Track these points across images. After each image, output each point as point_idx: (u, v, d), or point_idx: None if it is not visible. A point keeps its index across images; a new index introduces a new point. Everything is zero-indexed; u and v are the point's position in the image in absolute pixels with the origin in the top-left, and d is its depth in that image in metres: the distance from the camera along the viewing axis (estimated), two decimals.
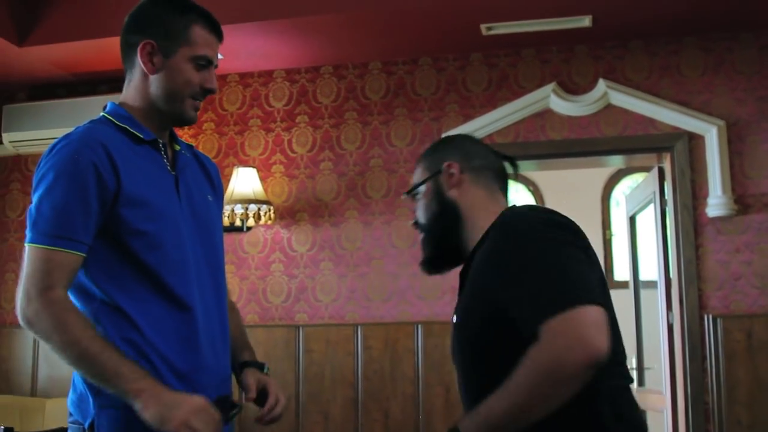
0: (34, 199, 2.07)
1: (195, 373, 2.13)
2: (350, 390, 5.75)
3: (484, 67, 5.86)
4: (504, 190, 2.39)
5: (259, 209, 5.82)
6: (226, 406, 2.15)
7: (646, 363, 6.14)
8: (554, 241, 1.98)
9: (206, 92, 2.24)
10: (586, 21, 5.33)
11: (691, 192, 5.46)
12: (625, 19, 5.38)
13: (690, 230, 5.42)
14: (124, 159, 2.10)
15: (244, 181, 5.80)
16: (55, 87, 6.48)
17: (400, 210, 5.84)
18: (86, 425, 2.09)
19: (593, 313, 1.79)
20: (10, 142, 6.34)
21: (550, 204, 8.65)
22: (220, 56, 5.90)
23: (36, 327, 2.00)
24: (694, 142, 5.50)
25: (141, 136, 2.18)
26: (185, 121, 2.26)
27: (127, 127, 2.18)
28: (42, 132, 6.23)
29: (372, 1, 5.28)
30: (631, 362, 6.23)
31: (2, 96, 6.56)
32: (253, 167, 5.94)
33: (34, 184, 2.10)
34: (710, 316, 5.33)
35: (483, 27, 5.45)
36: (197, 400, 1.98)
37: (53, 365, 6.28)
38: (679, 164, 5.47)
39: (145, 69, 2.20)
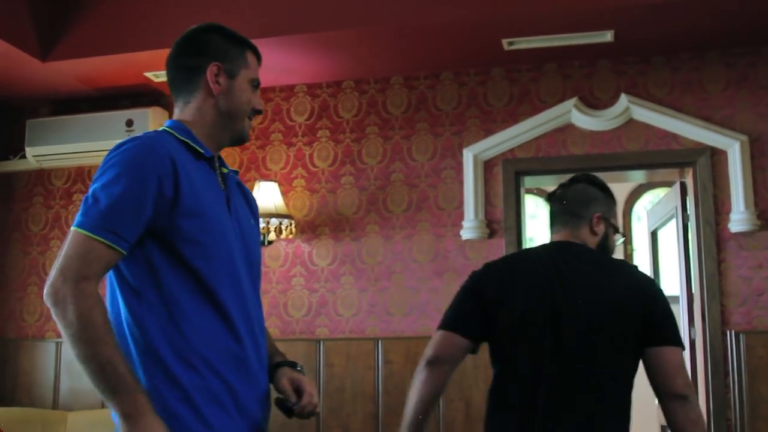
0: (92, 188, 2.11)
1: (242, 383, 2.20)
2: (371, 404, 5.74)
3: (506, 81, 5.87)
4: (557, 223, 3.08)
5: (280, 223, 5.83)
6: (285, 404, 2.30)
7: None
8: (460, 288, 3.02)
9: (256, 113, 2.39)
10: (608, 36, 5.33)
11: (714, 207, 5.44)
12: (648, 34, 5.38)
13: (712, 245, 5.40)
14: (185, 170, 2.17)
15: (265, 196, 5.82)
16: (78, 102, 6.53)
17: (420, 224, 5.84)
18: None
19: (437, 334, 2.96)
20: (33, 156, 6.39)
21: None
22: None
23: (59, 310, 2.02)
24: (717, 157, 5.48)
25: (201, 152, 2.27)
26: (242, 140, 2.40)
27: (188, 141, 2.26)
28: (65, 146, 6.28)
29: (393, 16, 5.30)
30: None
31: (25, 111, 6.62)
32: (275, 181, 5.96)
33: (96, 175, 2.14)
34: (733, 332, 5.30)
35: (504, 42, 5.45)
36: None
37: (75, 378, 6.31)
38: (701, 179, 5.45)
39: (213, 89, 2.31)
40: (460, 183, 5.81)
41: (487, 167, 5.78)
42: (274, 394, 2.37)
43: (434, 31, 5.38)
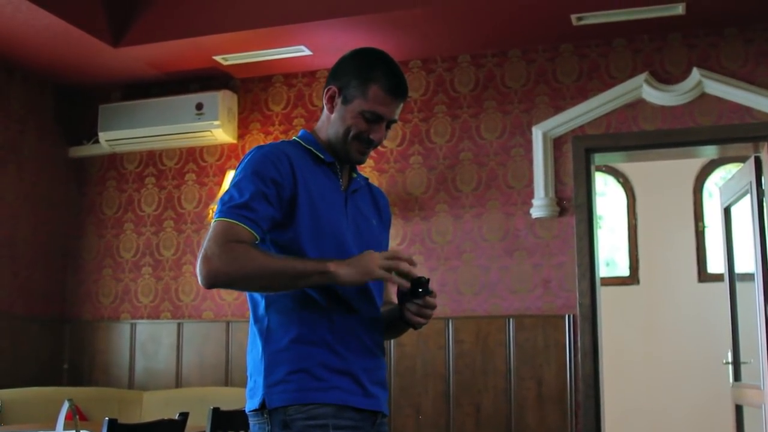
0: (225, 191, 2.38)
1: (358, 368, 2.43)
2: (442, 383, 5.76)
3: (575, 57, 5.81)
4: None
5: None
6: (419, 283, 2.42)
7: (743, 357, 6.02)
8: None
9: (370, 142, 2.52)
10: (679, 9, 5.25)
11: None
12: (720, 6, 5.28)
13: None
14: (303, 172, 2.44)
15: None
16: (149, 86, 6.62)
17: (490, 203, 5.82)
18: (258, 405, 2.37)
19: None
20: (106, 140, 6.51)
21: (641, 196, 8.53)
22: (309, 53, 5.95)
23: (227, 274, 2.26)
24: None
25: (322, 157, 2.52)
26: (350, 161, 2.57)
27: (311, 149, 2.53)
28: (136, 131, 6.39)
29: None
30: (727, 356, 6.12)
31: (98, 96, 6.73)
32: None
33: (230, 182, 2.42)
34: None
35: (573, 17, 5.40)
36: (373, 253, 2.34)
37: (150, 358, 6.43)
38: None
39: (326, 108, 2.56)
40: (530, 161, 5.77)
41: (556, 144, 5.74)
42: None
43: (502, 8, 5.35)
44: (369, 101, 2.48)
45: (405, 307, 2.46)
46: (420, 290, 2.40)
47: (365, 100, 2.48)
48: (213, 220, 2.33)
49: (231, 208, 2.32)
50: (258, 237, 2.32)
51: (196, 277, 6.38)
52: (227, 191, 2.38)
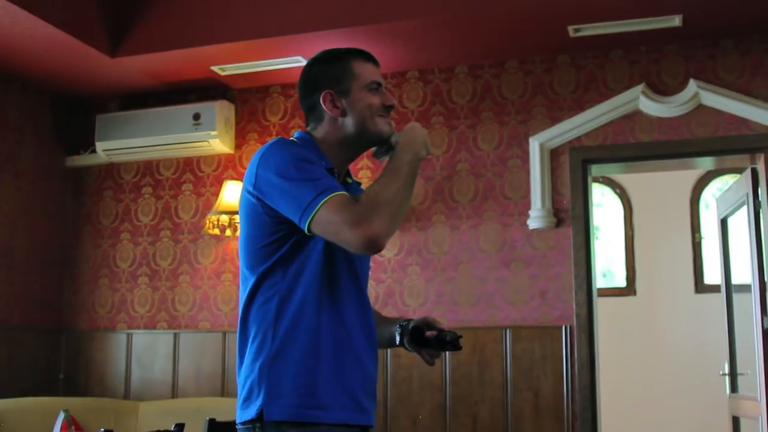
0: (277, 196, 2.33)
1: (356, 385, 2.45)
2: (438, 394, 5.75)
3: (572, 69, 5.82)
4: None
5: None
6: (447, 338, 2.51)
7: (740, 368, 6.01)
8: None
9: (388, 108, 2.56)
10: (676, 20, 5.26)
11: None
12: (716, 18, 5.30)
13: None
14: None
15: None
16: (146, 96, 6.62)
17: (487, 214, 5.82)
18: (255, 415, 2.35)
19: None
20: (103, 150, 6.50)
21: (638, 207, 8.54)
22: (305, 61, 5.96)
23: (381, 227, 2.24)
24: None
25: (321, 163, 2.44)
26: (382, 138, 2.55)
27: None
28: (133, 140, 6.39)
29: (458, 5, 5.29)
30: (724, 368, 6.11)
31: (95, 106, 6.73)
32: None
33: (265, 188, 2.36)
34: None
35: (570, 29, 5.41)
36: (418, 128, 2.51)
37: (146, 368, 6.42)
38: None
39: (333, 115, 2.53)
40: (527, 172, 5.77)
41: (553, 156, 5.74)
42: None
43: (499, 20, 5.36)
44: (361, 76, 2.54)
45: (422, 349, 2.56)
46: (449, 346, 2.49)
47: (357, 78, 2.53)
48: (313, 215, 2.26)
49: (314, 199, 2.27)
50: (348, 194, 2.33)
51: (192, 287, 6.39)
52: (295, 199, 2.31)
